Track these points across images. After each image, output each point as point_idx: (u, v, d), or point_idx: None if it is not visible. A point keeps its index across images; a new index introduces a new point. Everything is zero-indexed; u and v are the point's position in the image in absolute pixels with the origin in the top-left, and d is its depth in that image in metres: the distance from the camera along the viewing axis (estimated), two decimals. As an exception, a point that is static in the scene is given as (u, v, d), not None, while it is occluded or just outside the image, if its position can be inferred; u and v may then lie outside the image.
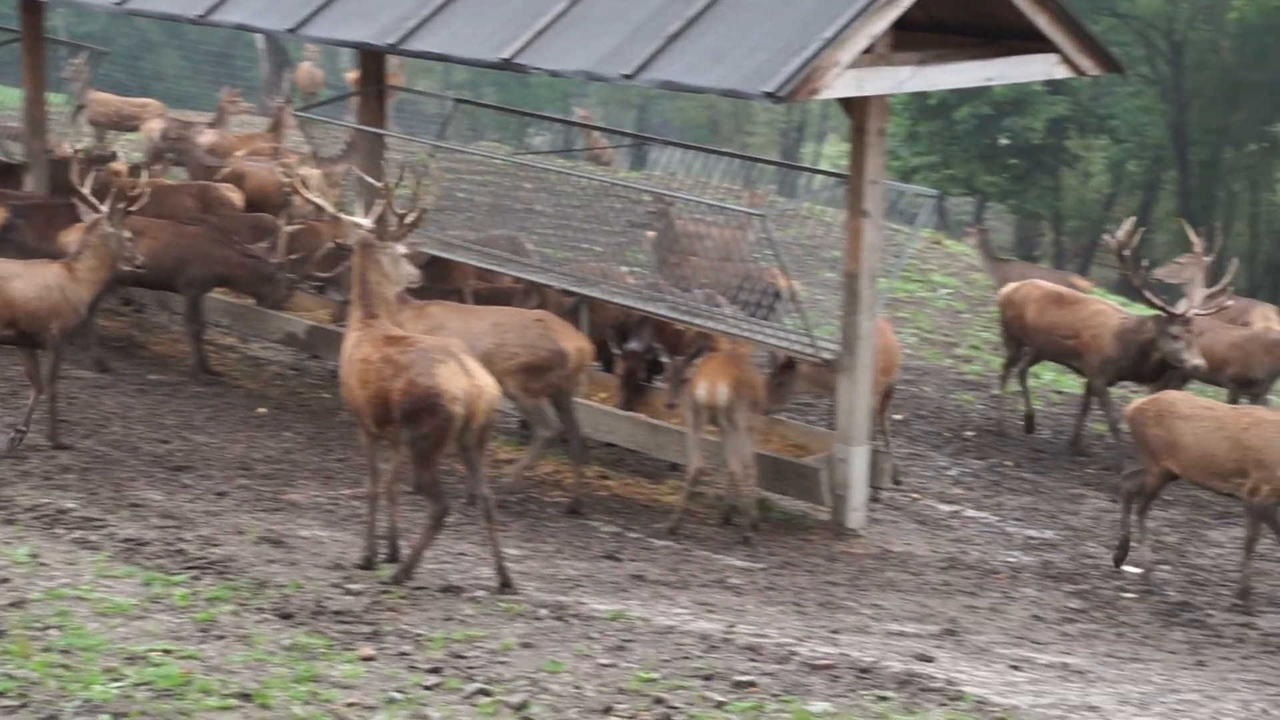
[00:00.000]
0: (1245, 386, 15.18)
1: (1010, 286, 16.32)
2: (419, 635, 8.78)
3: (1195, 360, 14.14)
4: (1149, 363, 14.60)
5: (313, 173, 14.09)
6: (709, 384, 12.09)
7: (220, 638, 8.40)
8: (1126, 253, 14.48)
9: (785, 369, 12.76)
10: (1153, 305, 14.41)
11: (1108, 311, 15.37)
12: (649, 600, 10.17)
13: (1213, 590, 12.12)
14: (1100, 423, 16.68)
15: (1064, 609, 11.35)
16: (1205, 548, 13.24)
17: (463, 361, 9.67)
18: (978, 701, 8.25)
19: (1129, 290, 20.97)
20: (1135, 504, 11.95)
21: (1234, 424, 11.23)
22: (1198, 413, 11.41)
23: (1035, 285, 16.17)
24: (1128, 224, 14.93)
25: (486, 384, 9.70)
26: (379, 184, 11.86)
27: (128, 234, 12.85)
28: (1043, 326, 15.56)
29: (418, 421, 9.55)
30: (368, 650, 8.41)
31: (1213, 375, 14.91)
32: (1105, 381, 15.04)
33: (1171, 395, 11.99)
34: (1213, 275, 15.62)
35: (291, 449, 13.44)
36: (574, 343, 12.52)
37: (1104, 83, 43.00)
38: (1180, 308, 14.35)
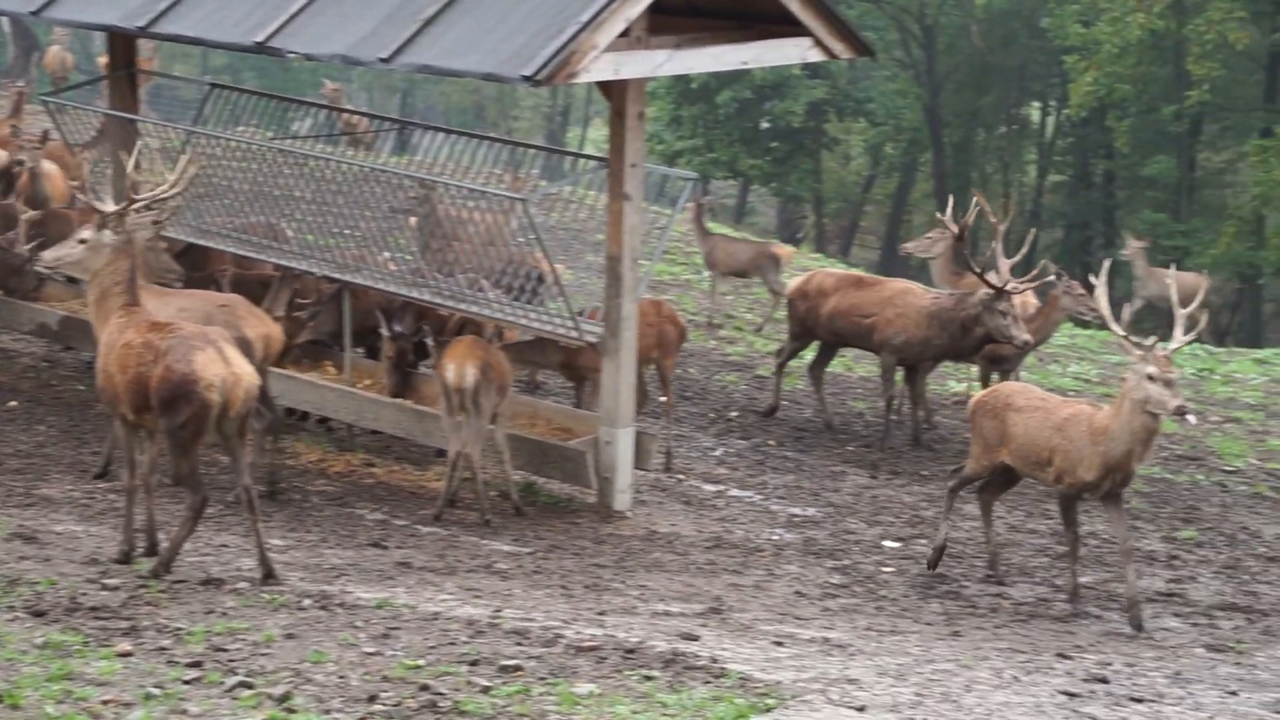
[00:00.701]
0: (995, 363, 15.65)
1: (801, 278, 16.28)
2: (179, 629, 8.62)
3: (1023, 335, 14.49)
4: (969, 339, 14.83)
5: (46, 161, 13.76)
6: (456, 367, 12.08)
7: (-30, 639, 8.16)
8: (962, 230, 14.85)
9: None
10: (985, 284, 14.61)
11: (916, 291, 15.54)
12: (415, 587, 10.12)
13: (968, 563, 12.45)
14: (860, 400, 17.04)
15: (826, 585, 11.57)
16: (960, 521, 13.58)
17: (221, 349, 9.54)
18: (741, 678, 8.37)
19: (890, 271, 21.45)
20: (953, 500, 11.95)
21: (1056, 416, 11.25)
22: (1031, 404, 11.47)
23: (828, 274, 16.28)
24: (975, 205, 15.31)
25: (244, 372, 9.57)
26: (130, 171, 11.57)
27: None
28: (843, 310, 15.51)
29: (175, 409, 9.39)
30: (125, 646, 8.23)
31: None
32: (897, 361, 15.23)
33: (1011, 387, 11.98)
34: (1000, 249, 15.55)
35: (44, 443, 13.09)
36: (260, 329, 12.28)
37: (861, 67, 43.93)
38: (999, 282, 14.63)
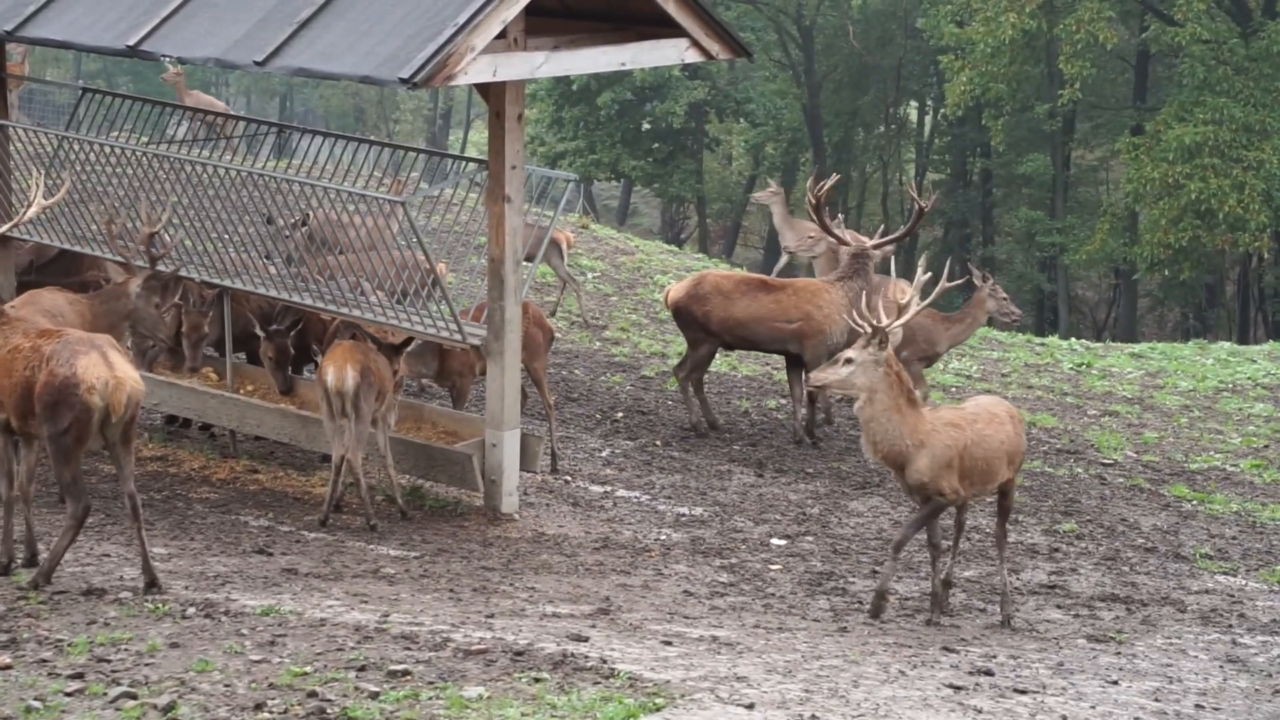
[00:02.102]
0: (929, 361, 16.10)
1: (688, 282, 16.05)
2: (60, 640, 8.49)
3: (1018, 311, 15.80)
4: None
5: None
6: (336, 371, 12.01)
7: None
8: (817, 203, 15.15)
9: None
10: (837, 239, 15.18)
11: (831, 289, 15.51)
12: (301, 594, 10.04)
13: (854, 559, 12.55)
14: (745, 399, 17.12)
15: (714, 583, 11.61)
16: (846, 518, 13.70)
17: (105, 354, 9.43)
18: (630, 678, 8.37)
19: (769, 272, 21.55)
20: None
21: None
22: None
23: (722, 275, 16.25)
24: (830, 179, 15.66)
25: (128, 376, 9.45)
26: None
27: None
28: (761, 316, 15.40)
29: (57, 414, 9.26)
30: (4, 659, 8.10)
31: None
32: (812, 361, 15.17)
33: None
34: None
35: (-82, 456, 12.83)
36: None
37: (741, 68, 44.19)
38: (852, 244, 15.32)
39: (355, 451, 12.11)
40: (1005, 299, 16.28)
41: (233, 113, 22.70)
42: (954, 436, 10.47)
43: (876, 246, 15.48)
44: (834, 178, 15.66)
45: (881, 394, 10.29)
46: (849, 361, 10.30)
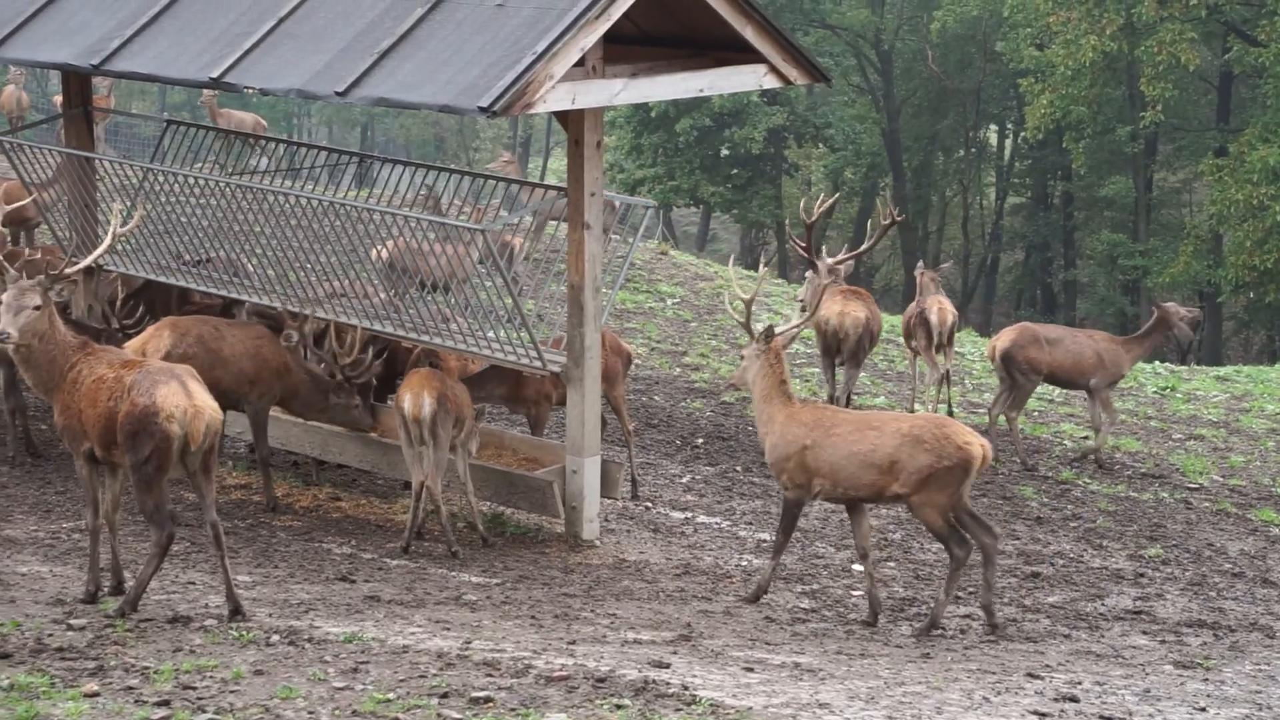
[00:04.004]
0: (1113, 383, 16.41)
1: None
2: (146, 668, 8.56)
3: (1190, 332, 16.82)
4: None
5: None
6: (413, 399, 12.09)
7: (-66, 683, 8.09)
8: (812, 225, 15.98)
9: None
10: (812, 265, 16.01)
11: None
12: (384, 621, 10.08)
13: (937, 584, 12.46)
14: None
15: (795, 609, 11.56)
16: (929, 543, 13.61)
17: (185, 383, 9.54)
18: (712, 704, 8.35)
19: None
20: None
21: None
22: None
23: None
24: (824, 201, 15.98)
25: (206, 405, 9.54)
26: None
27: None
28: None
29: (138, 443, 9.37)
30: (92, 686, 8.17)
31: (1078, 378, 16.11)
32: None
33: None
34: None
35: (7, 483, 13.02)
36: None
37: (819, 93, 44.11)
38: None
39: (435, 478, 12.17)
40: (1186, 317, 16.30)
41: (268, 134, 22.68)
42: (797, 434, 11.01)
43: (838, 263, 16.56)
44: (834, 198, 16.44)
45: (758, 384, 11.25)
46: (743, 358, 11.40)
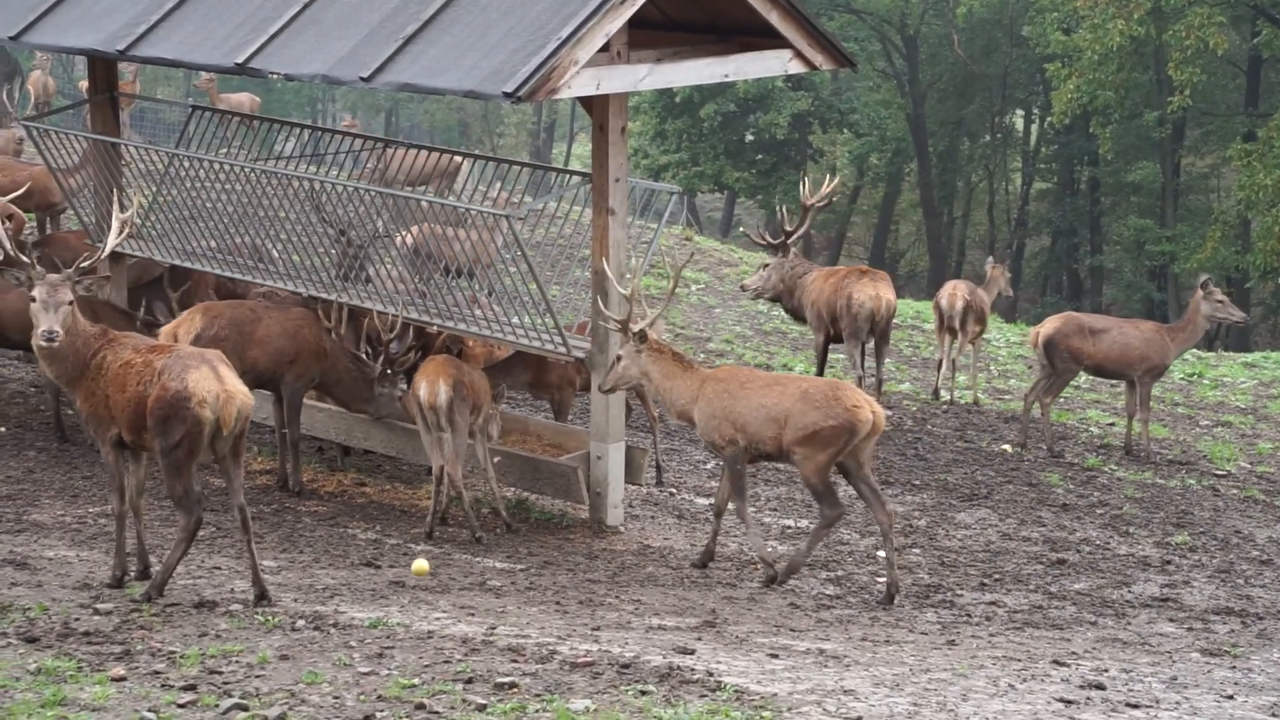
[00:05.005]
0: (1158, 373, 16.35)
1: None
2: (172, 652, 8.59)
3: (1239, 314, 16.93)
4: None
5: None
6: (428, 386, 12.11)
7: (-39, 667, 8.13)
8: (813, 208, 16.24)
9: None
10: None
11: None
12: (409, 606, 10.09)
13: (962, 571, 12.44)
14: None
15: (820, 596, 11.55)
16: (954, 530, 13.59)
17: (216, 368, 9.55)
18: (737, 691, 8.34)
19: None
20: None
21: None
22: None
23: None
24: (827, 182, 16.47)
25: (238, 390, 9.56)
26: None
27: None
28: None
29: (169, 427, 9.38)
30: (119, 670, 8.20)
31: (1124, 369, 16.03)
32: None
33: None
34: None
35: (34, 468, 13.05)
36: None
37: (844, 78, 43.99)
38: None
39: (455, 464, 12.18)
40: (1222, 302, 16.22)
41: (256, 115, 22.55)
42: (717, 390, 11.58)
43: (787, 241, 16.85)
44: (835, 182, 16.61)
45: (652, 373, 11.70)
46: (619, 359, 11.79)
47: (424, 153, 17.01)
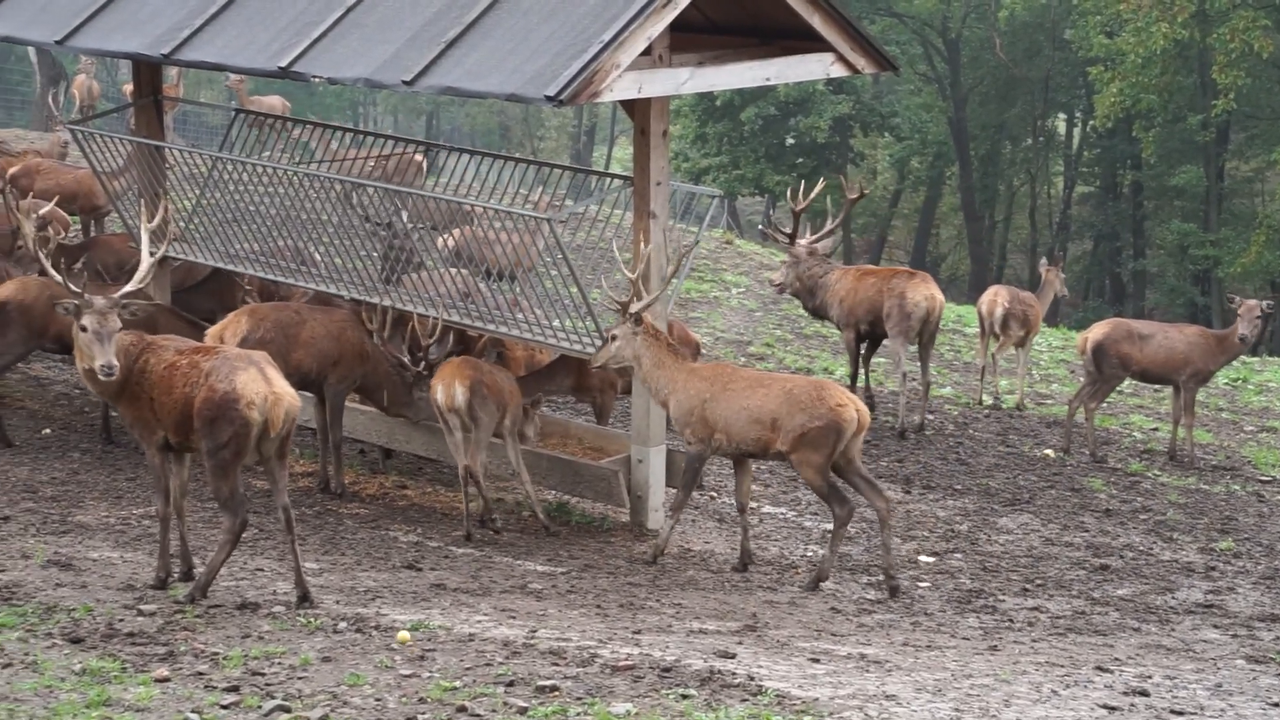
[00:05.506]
0: (1204, 379, 16.24)
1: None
2: (215, 654, 8.63)
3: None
4: None
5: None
6: (445, 388, 12.16)
7: (6, 666, 8.18)
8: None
9: None
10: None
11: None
12: (450, 609, 10.11)
13: (1004, 576, 12.39)
14: (892, 415, 16.98)
15: (861, 600, 11.52)
16: (996, 535, 13.54)
17: (264, 370, 9.60)
18: (778, 695, 8.33)
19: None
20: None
21: None
22: None
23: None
24: (808, 187, 16.56)
25: (285, 392, 9.61)
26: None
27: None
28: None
29: (216, 428, 9.42)
30: (162, 671, 8.25)
31: (1171, 374, 15.99)
32: None
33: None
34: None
35: (79, 470, 13.13)
36: None
37: (885, 81, 43.89)
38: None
39: (475, 460, 12.22)
40: (1259, 311, 16.14)
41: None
42: (698, 389, 11.74)
43: (814, 242, 16.96)
44: (820, 186, 16.52)
45: (644, 357, 11.86)
46: (614, 338, 11.89)
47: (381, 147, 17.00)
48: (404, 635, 9.09)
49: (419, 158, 19.41)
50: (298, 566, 9.78)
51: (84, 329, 9.65)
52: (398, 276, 13.72)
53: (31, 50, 34.84)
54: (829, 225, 17.09)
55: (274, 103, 27.06)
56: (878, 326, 16.31)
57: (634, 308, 11.81)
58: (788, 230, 16.85)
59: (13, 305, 13.37)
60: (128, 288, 10.16)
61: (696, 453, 11.83)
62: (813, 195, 16.05)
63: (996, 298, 17.68)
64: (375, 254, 14.07)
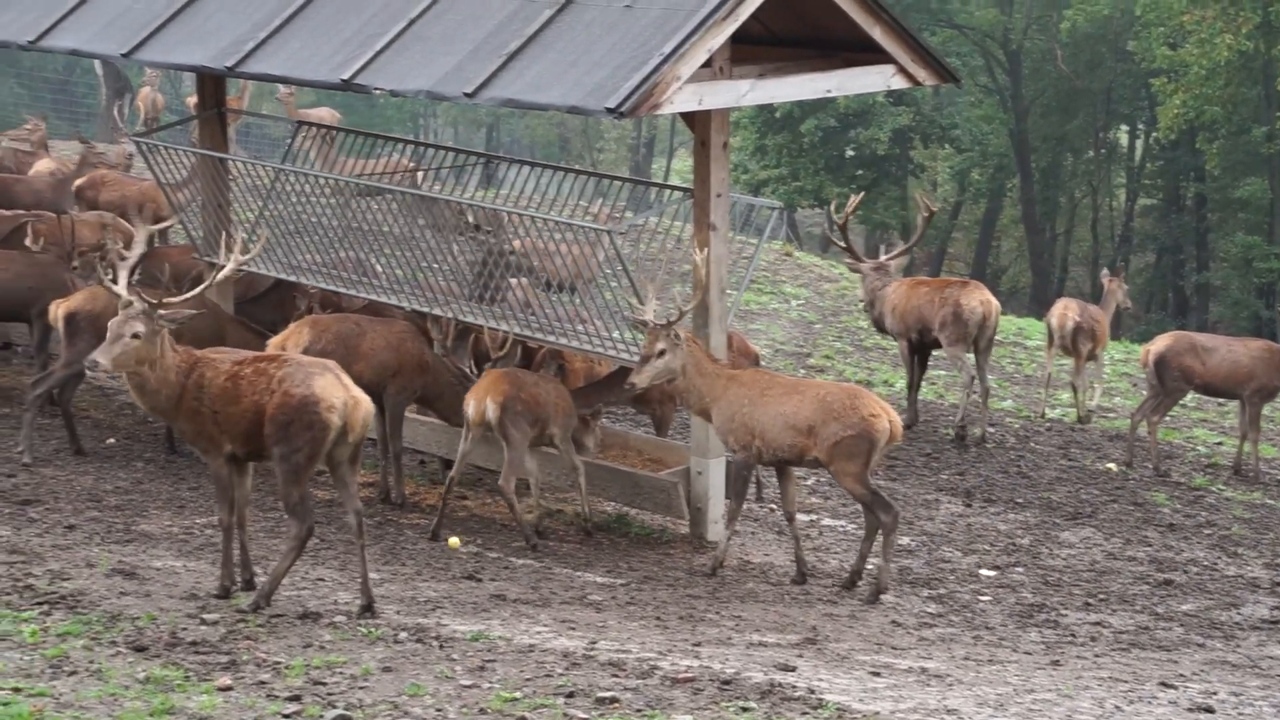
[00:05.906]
0: (1269, 395, 16.10)
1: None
2: (277, 663, 8.67)
3: None
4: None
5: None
6: (475, 404, 12.21)
7: (72, 674, 8.24)
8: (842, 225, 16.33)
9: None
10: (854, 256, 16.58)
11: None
12: (510, 619, 10.13)
13: (1066, 590, 12.31)
14: (950, 427, 16.91)
15: (922, 614, 11.47)
16: (1057, 549, 13.45)
17: (339, 375, 9.69)
18: (839, 709, 8.31)
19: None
20: None
21: None
22: None
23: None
24: (852, 199, 16.39)
25: (363, 397, 9.69)
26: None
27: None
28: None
29: (291, 433, 9.46)
30: (225, 680, 8.30)
31: (1235, 388, 15.90)
32: None
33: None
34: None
35: (143, 479, 13.22)
36: None
37: (946, 93, 43.68)
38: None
39: (507, 478, 12.24)
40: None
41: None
42: (740, 394, 11.72)
43: (888, 260, 17.11)
44: (859, 196, 16.78)
45: (690, 367, 11.77)
46: (661, 353, 11.69)
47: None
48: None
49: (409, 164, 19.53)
50: (365, 574, 9.82)
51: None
52: (495, 285, 13.80)
53: (97, 63, 35.16)
54: (901, 246, 17.27)
55: (323, 114, 27.22)
56: (928, 335, 16.33)
57: (673, 319, 11.77)
58: (842, 244, 16.93)
59: (82, 315, 13.48)
60: (178, 299, 10.27)
61: (742, 460, 11.83)
62: (850, 208, 16.07)
63: (1067, 311, 17.61)
64: (470, 263, 14.12)
